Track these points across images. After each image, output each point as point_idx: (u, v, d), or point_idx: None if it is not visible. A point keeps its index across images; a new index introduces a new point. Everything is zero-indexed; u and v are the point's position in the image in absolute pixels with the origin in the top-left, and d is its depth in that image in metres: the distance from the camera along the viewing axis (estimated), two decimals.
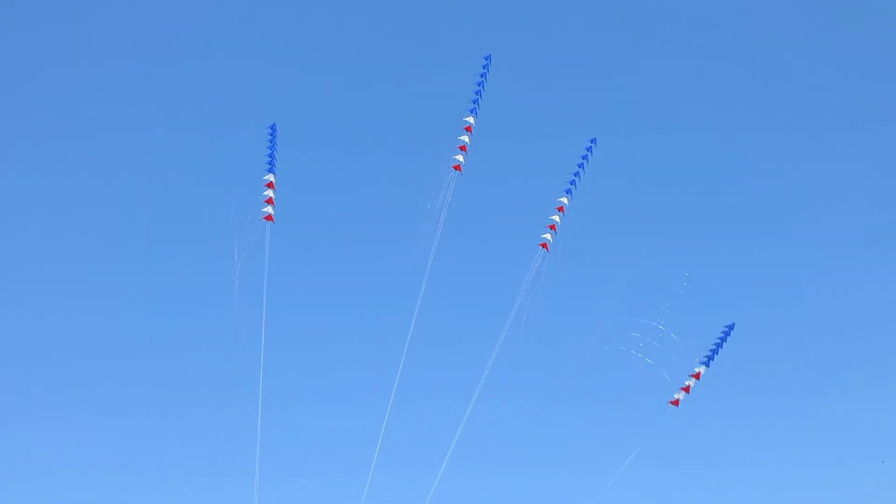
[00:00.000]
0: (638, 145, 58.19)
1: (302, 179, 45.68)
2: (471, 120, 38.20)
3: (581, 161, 37.92)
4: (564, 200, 38.00)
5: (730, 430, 47.16)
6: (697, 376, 37.83)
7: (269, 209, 39.45)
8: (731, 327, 38.19)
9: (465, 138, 38.13)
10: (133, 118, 56.86)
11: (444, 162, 38.25)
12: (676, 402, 37.65)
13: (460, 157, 38.02)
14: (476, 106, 38.16)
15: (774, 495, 45.25)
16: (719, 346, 38.02)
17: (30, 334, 49.99)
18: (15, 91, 56.59)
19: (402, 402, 38.74)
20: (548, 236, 37.97)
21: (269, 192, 39.59)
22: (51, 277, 52.16)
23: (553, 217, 37.99)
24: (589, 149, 37.94)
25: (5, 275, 52.06)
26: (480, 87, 38.17)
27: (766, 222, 56.87)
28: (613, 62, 61.49)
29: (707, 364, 37.87)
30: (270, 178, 39.69)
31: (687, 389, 37.71)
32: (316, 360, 49.78)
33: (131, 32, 58.66)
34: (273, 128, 40.28)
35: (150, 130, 56.73)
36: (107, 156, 55.91)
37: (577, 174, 37.86)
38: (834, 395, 50.15)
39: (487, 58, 38.37)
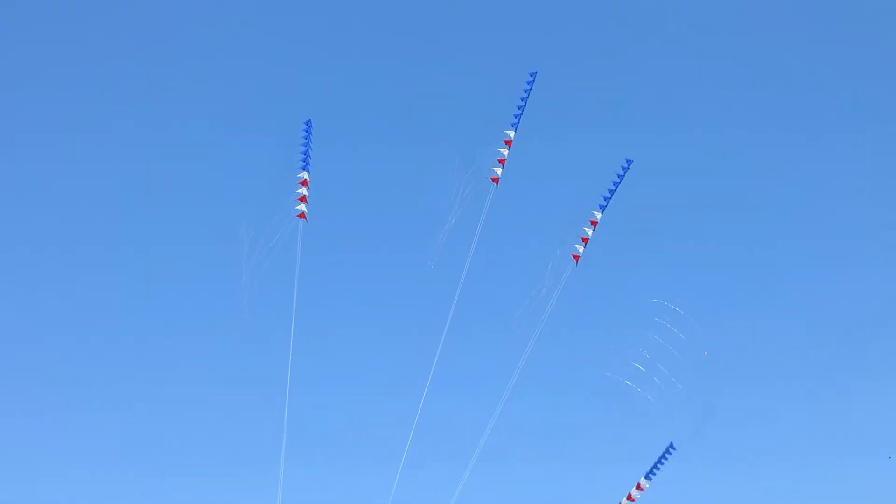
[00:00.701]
0: (641, 146, 58.72)
1: (331, 176, 45.94)
2: (511, 134, 38.79)
3: (616, 180, 38.67)
4: (598, 215, 38.84)
5: (733, 428, 48.18)
6: (641, 488, 38.75)
7: (302, 207, 39.73)
8: (671, 447, 38.77)
9: (505, 152, 38.81)
10: (156, 115, 57.10)
11: (461, 162, 38.96)
12: None
13: (499, 171, 38.71)
14: (517, 121, 38.72)
15: (779, 493, 46.71)
16: (659, 463, 38.73)
17: (54, 329, 50.59)
18: (25, 89, 56.56)
19: (411, 400, 39.61)
20: (580, 248, 38.85)
21: (303, 190, 39.78)
22: (72, 273, 52.76)
23: (586, 230, 38.80)
24: (625, 168, 38.66)
25: (23, 270, 52.62)
26: (523, 103, 38.69)
27: (767, 223, 57.97)
28: (615, 62, 61.99)
29: (649, 478, 38.75)
30: (305, 175, 39.79)
31: (631, 498, 38.66)
32: (336, 357, 50.50)
33: (151, 30, 58.70)
34: (308, 124, 40.28)
35: (165, 128, 57.11)
36: (126, 153, 56.26)
37: (612, 191, 38.61)
38: (840, 392, 51.72)
39: (533, 74, 38.81)
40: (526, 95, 38.73)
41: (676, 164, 58.94)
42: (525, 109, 38.69)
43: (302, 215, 39.54)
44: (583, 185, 53.96)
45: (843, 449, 49.27)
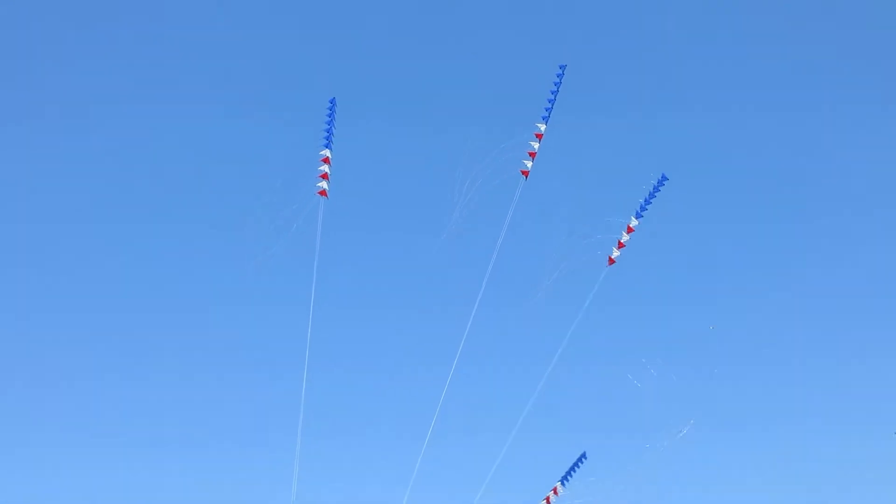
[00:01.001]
0: (641, 145, 59.19)
1: (353, 158, 46.12)
2: (542, 127, 38.99)
3: (652, 192, 39.13)
4: (635, 222, 39.20)
5: (737, 408, 49.06)
6: (556, 493, 39.03)
7: (323, 184, 39.82)
8: (583, 456, 39.20)
9: (535, 145, 39.03)
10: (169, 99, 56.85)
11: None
12: None
13: (529, 164, 38.91)
14: (548, 114, 38.89)
15: (785, 468, 47.87)
16: (572, 470, 39.05)
17: (65, 309, 50.96)
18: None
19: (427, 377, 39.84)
20: (616, 252, 39.27)
21: (325, 168, 39.87)
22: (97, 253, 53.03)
23: (623, 234, 39.21)
24: (661, 182, 39.04)
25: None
26: (554, 96, 38.85)
27: (770, 222, 58.58)
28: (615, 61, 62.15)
29: (563, 484, 39.03)
30: (327, 153, 39.93)
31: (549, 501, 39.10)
32: (354, 334, 50.83)
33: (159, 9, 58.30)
34: (333, 102, 40.26)
35: (180, 112, 56.79)
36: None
37: (648, 201, 39.02)
38: (846, 367, 53.11)
39: (563, 67, 38.94)
40: (556, 88, 38.91)
41: (679, 163, 59.27)
42: (555, 102, 38.86)
43: (323, 192, 39.64)
44: (593, 184, 54.69)
45: (845, 438, 50.28)
